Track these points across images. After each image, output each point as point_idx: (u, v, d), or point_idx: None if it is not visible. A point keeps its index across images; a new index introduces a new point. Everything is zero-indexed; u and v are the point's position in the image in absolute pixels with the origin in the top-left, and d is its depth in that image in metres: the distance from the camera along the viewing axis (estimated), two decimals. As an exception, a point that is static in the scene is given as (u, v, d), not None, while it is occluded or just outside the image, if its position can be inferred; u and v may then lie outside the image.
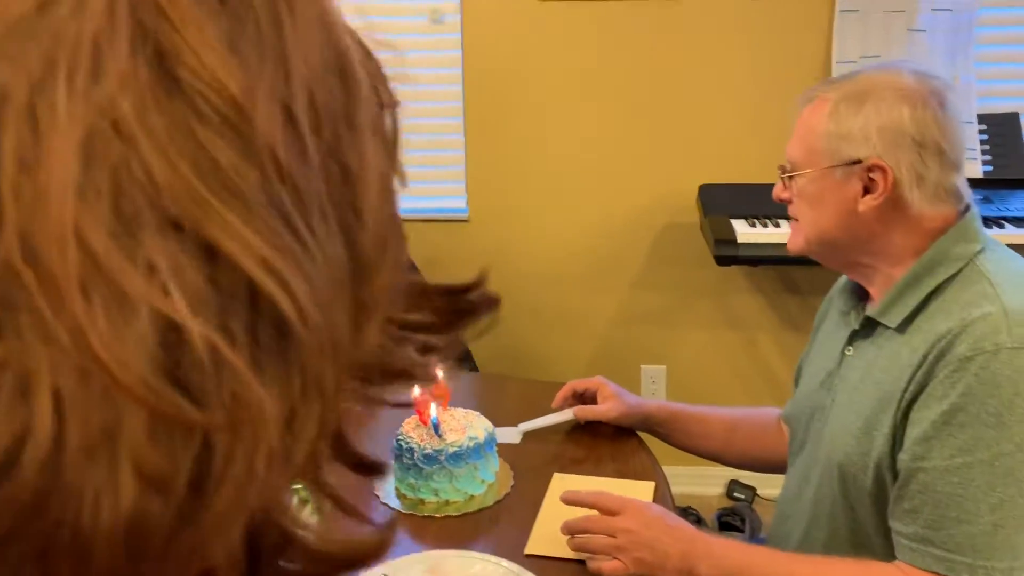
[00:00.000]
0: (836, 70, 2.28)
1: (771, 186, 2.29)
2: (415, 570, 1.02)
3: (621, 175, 2.48)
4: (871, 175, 1.04)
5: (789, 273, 2.52)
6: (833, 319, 1.24)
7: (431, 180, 2.55)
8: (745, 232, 2.03)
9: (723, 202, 2.20)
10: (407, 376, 0.33)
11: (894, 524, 1.00)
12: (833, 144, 1.06)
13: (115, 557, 0.22)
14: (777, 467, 1.38)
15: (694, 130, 2.43)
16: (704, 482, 2.58)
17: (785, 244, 1.98)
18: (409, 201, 2.44)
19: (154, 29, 0.24)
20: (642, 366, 2.60)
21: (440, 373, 1.31)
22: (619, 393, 1.42)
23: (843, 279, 1.27)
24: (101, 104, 0.23)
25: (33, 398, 0.21)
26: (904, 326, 1.03)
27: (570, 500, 1.10)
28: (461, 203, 2.55)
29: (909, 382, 0.98)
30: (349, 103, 0.29)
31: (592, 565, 1.05)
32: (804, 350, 1.34)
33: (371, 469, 0.32)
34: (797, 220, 1.16)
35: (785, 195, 1.17)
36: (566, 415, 1.43)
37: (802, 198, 1.13)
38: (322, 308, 0.26)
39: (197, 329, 0.23)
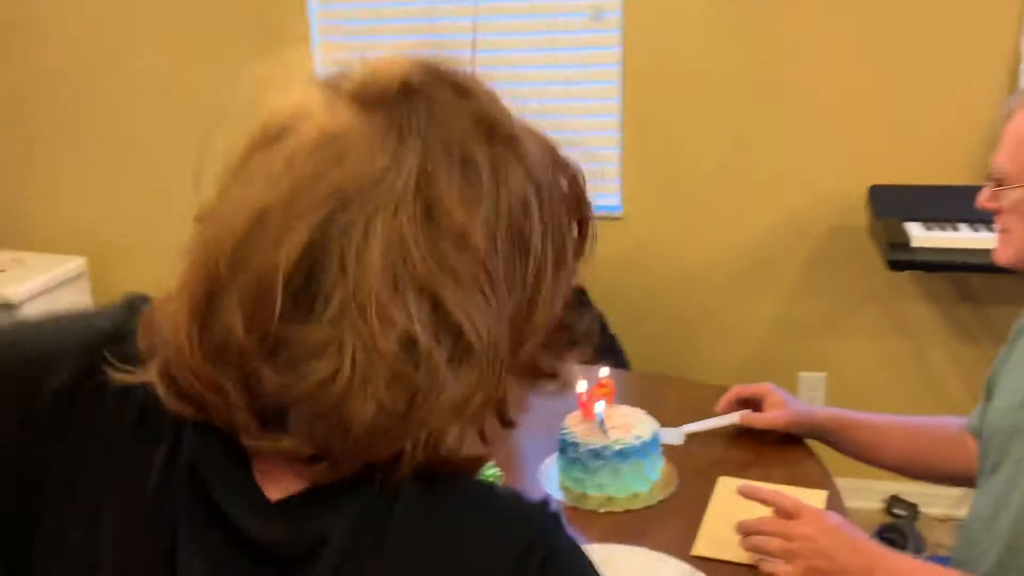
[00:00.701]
0: (1027, 63, 2.12)
1: (948, 188, 2.17)
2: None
3: (783, 174, 2.40)
4: None
5: (965, 280, 2.37)
6: None
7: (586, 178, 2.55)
8: (921, 236, 1.92)
9: (896, 204, 2.09)
10: (553, 376, 0.60)
11: None
12: None
13: (366, 430, 0.50)
14: (961, 482, 1.30)
15: (863, 127, 2.32)
16: (862, 496, 2.45)
17: (964, 249, 1.88)
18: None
19: (426, 189, 0.51)
20: (800, 373, 2.50)
21: (605, 371, 1.32)
22: (787, 400, 1.38)
23: None
24: (396, 228, 0.50)
25: (344, 356, 0.50)
26: None
27: (748, 493, 1.08)
28: (615, 200, 2.54)
29: None
30: (529, 230, 0.54)
31: (765, 567, 1.02)
32: (998, 358, 1.25)
33: (510, 425, 0.58)
34: (1008, 231, 1.12)
35: (992, 205, 1.14)
36: (730, 419, 1.40)
37: (1017, 211, 1.09)
38: (494, 338, 0.52)
39: (423, 340, 0.50)
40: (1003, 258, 1.13)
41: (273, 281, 0.49)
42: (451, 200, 0.50)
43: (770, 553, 1.02)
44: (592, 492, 1.23)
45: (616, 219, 2.53)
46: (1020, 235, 1.09)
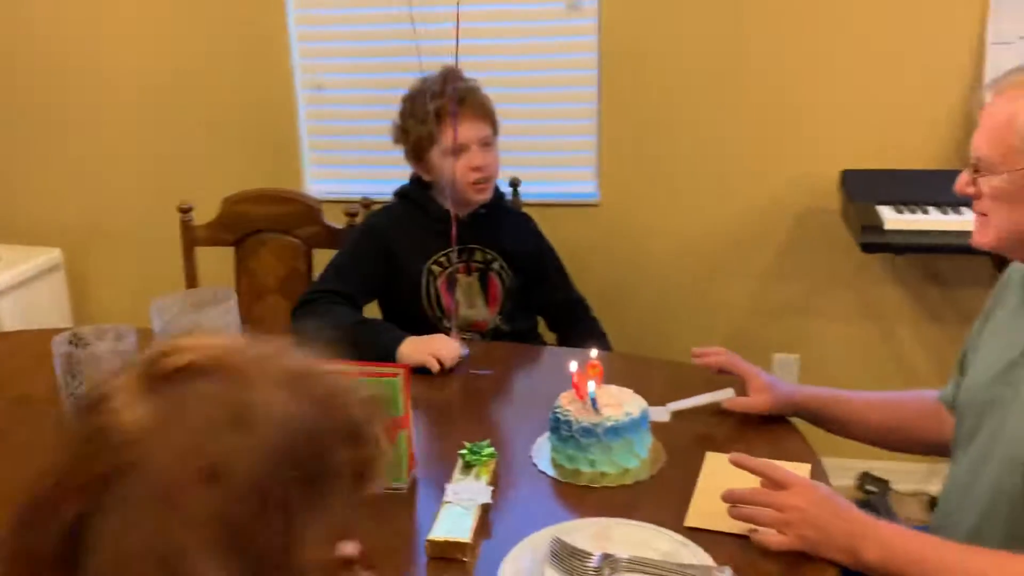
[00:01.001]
0: (991, 51, 2.19)
1: (918, 172, 2.23)
2: (583, 534, 1.06)
3: (757, 159, 2.45)
4: None
5: (933, 262, 2.44)
6: (1010, 307, 1.20)
7: (563, 165, 2.58)
8: (893, 219, 1.98)
9: (868, 188, 2.15)
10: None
11: None
12: None
13: None
14: (936, 451, 1.35)
15: (835, 114, 2.37)
16: (834, 474, 2.48)
17: (934, 231, 1.94)
18: (540, 186, 2.48)
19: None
20: (774, 355, 2.57)
21: (595, 352, 1.35)
22: (771, 384, 1.42)
23: (1013, 269, 1.23)
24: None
25: None
26: None
27: (739, 462, 1.12)
28: (592, 188, 2.57)
29: None
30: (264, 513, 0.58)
31: (756, 538, 1.06)
32: (971, 333, 1.30)
33: None
34: (985, 216, 1.14)
35: (971, 190, 1.15)
36: (715, 397, 1.44)
37: (997, 197, 1.11)
38: None
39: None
40: (983, 241, 1.15)
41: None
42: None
43: (761, 523, 1.06)
44: (585, 468, 1.26)
45: (594, 205, 2.57)
46: (998, 220, 1.12)
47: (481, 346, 1.80)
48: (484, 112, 1.85)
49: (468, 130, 1.82)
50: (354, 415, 0.64)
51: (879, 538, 1.02)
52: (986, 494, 1.12)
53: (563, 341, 2.02)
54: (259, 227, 2.09)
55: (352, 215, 2.09)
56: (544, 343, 2.03)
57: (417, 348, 1.63)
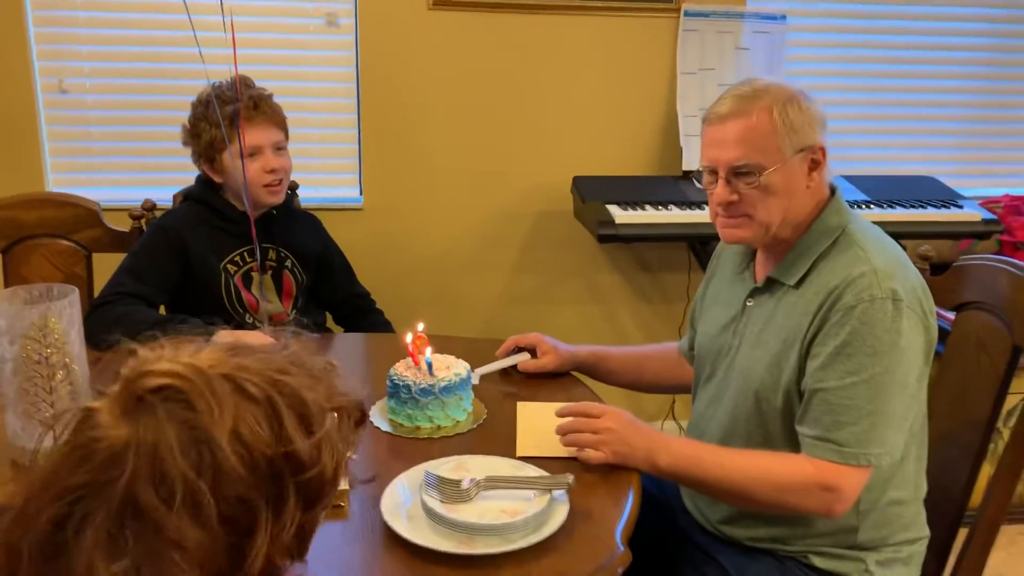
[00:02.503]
0: (681, 80, 2.71)
1: (633, 177, 2.69)
2: (445, 468, 1.27)
3: (502, 168, 2.79)
4: (814, 157, 1.35)
5: (643, 254, 2.94)
6: (725, 277, 1.56)
7: (329, 171, 2.73)
8: (621, 215, 2.40)
9: (596, 191, 2.56)
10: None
11: (801, 429, 1.32)
12: (790, 138, 1.33)
13: None
14: (682, 390, 1.73)
15: (564, 130, 2.78)
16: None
17: (655, 223, 2.38)
18: (308, 191, 2.61)
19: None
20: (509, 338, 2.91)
21: (421, 325, 1.56)
22: (556, 347, 1.72)
23: (724, 246, 1.61)
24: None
25: None
26: (799, 284, 1.36)
27: (564, 411, 1.39)
28: (355, 193, 2.75)
29: (809, 326, 1.31)
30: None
31: (581, 455, 1.34)
32: (696, 296, 1.66)
33: None
34: (748, 216, 1.35)
35: (734, 196, 1.34)
36: (511, 361, 1.71)
37: (767, 192, 1.32)
38: None
39: None
40: (745, 236, 1.37)
41: None
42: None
43: (583, 444, 1.34)
44: (423, 424, 1.47)
45: (358, 210, 2.75)
46: (771, 210, 1.33)
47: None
48: (277, 118, 1.97)
49: (262, 134, 1.92)
50: (314, 441, 0.69)
51: (668, 448, 1.34)
52: (726, 418, 1.45)
53: (352, 331, 2.18)
54: (31, 232, 2.00)
55: (137, 218, 2.08)
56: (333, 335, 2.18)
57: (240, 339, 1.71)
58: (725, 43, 2.74)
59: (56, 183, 2.59)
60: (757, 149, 1.32)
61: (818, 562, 1.39)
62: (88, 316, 1.78)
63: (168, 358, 0.70)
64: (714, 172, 1.38)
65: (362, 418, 0.80)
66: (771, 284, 1.42)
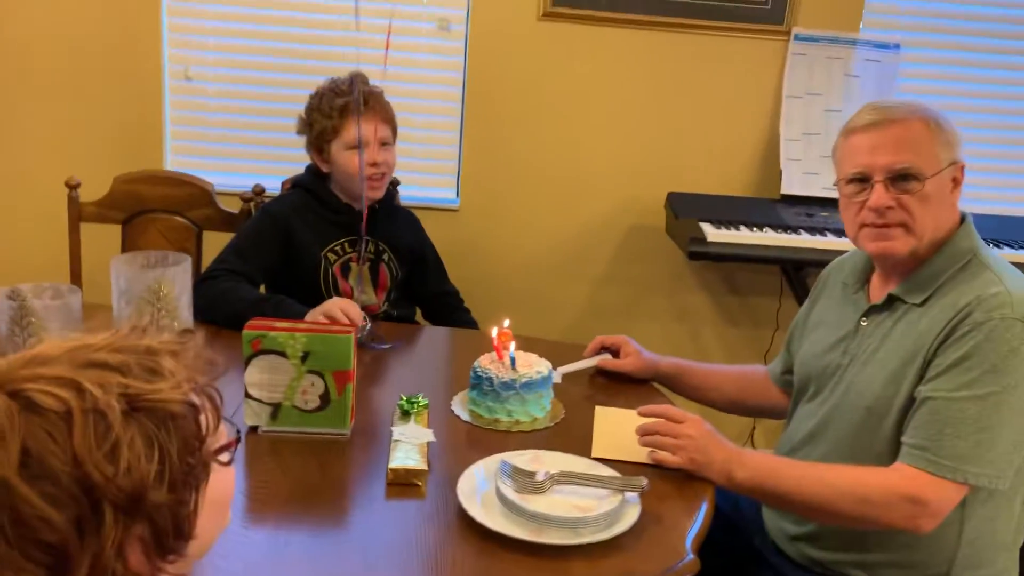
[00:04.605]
0: (786, 103, 2.69)
1: (729, 197, 2.68)
2: (520, 460, 1.29)
3: (596, 179, 2.81)
4: (955, 175, 1.34)
5: (732, 275, 2.91)
6: (833, 298, 1.54)
7: (429, 172, 2.80)
8: (713, 233, 2.39)
9: (690, 208, 2.56)
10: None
11: (903, 438, 1.29)
12: (943, 149, 1.31)
13: None
14: (764, 414, 1.71)
15: (662, 145, 2.79)
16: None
17: (748, 244, 2.36)
18: (407, 189, 2.68)
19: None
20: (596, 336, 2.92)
21: (507, 321, 1.59)
22: (639, 351, 1.73)
23: (832, 269, 1.59)
24: None
25: None
26: (924, 302, 1.33)
27: (646, 411, 1.40)
28: (452, 194, 2.82)
29: (933, 341, 1.28)
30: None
31: (655, 457, 1.35)
32: (798, 317, 1.65)
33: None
34: (904, 225, 1.32)
35: (891, 202, 1.32)
36: (593, 361, 1.73)
37: (924, 201, 1.30)
38: None
39: None
40: (904, 248, 1.32)
41: None
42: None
43: (661, 447, 1.35)
44: (503, 417, 1.50)
45: (454, 211, 2.81)
46: (927, 221, 1.30)
47: (380, 326, 1.98)
48: (385, 115, 2.04)
49: (370, 129, 2.00)
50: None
51: (745, 461, 1.33)
52: (831, 436, 1.42)
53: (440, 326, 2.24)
54: (150, 207, 2.13)
55: (247, 201, 2.19)
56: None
57: (322, 308, 1.78)
58: (834, 69, 2.70)
59: (174, 164, 2.74)
60: (919, 154, 1.31)
61: (899, 595, 1.36)
62: (196, 286, 1.88)
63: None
64: (863, 180, 1.35)
65: (215, 401, 0.73)
66: (892, 302, 1.40)
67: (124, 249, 2.13)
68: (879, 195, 1.32)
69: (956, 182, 1.35)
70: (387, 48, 1.71)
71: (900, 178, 1.32)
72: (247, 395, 1.40)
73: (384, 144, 2.04)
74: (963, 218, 1.39)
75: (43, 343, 0.70)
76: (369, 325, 1.85)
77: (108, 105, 2.63)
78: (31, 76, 2.61)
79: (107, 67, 2.61)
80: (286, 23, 2.65)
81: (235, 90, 2.71)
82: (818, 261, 2.29)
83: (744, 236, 2.40)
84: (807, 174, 2.69)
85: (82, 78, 2.61)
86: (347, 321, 1.74)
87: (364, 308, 2.07)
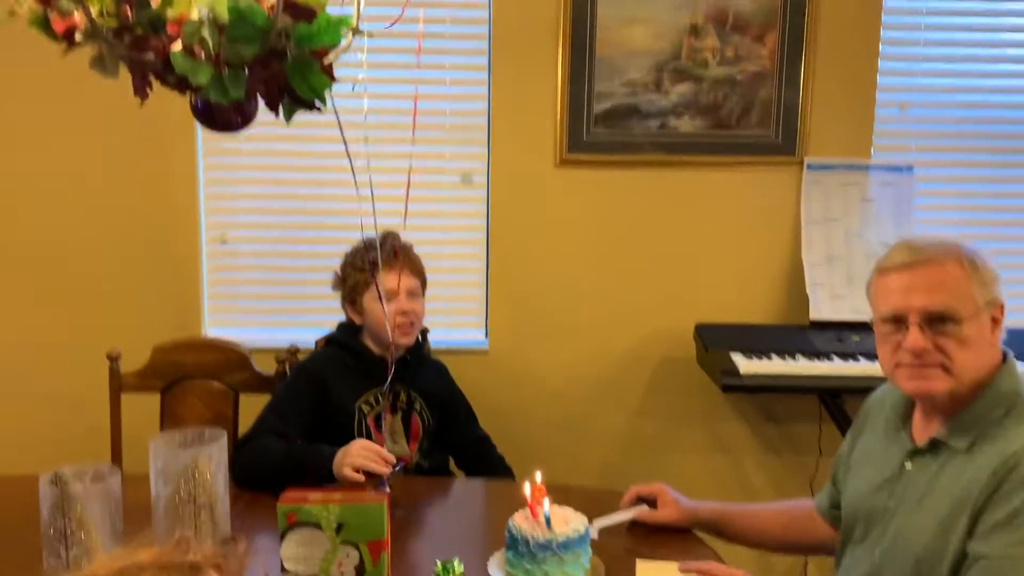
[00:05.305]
0: (806, 229, 2.72)
1: (758, 326, 2.68)
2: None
3: (624, 313, 2.83)
4: (994, 315, 1.34)
5: (770, 404, 2.88)
6: (877, 433, 1.52)
7: (456, 315, 2.86)
8: (746, 364, 2.38)
9: (720, 339, 2.56)
10: None
11: None
12: (981, 290, 1.31)
13: None
14: (815, 551, 1.65)
15: (686, 277, 2.82)
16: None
17: (781, 374, 2.34)
18: (437, 332, 2.73)
19: None
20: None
21: (538, 476, 1.59)
22: (677, 500, 1.70)
23: (873, 401, 1.58)
24: None
25: None
26: (969, 448, 1.32)
27: (688, 567, 1.37)
28: (481, 335, 2.85)
29: (981, 492, 1.26)
30: None
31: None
32: (841, 450, 1.62)
33: None
34: (943, 367, 1.31)
35: (929, 344, 1.31)
36: (631, 514, 1.70)
37: (962, 343, 1.30)
38: None
39: None
40: (943, 388, 1.31)
41: None
42: None
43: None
44: (541, 579, 1.47)
45: (483, 353, 2.84)
46: (959, 368, 1.29)
47: (408, 482, 1.98)
48: (414, 267, 2.12)
49: (397, 278, 2.07)
50: None
51: None
52: None
53: (473, 475, 2.23)
54: (189, 373, 2.19)
55: (281, 361, 2.24)
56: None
57: (347, 455, 1.79)
58: (850, 194, 2.75)
59: (212, 323, 2.82)
60: (955, 296, 1.31)
61: None
62: (235, 452, 1.92)
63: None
64: (898, 321, 1.35)
65: None
66: (935, 446, 1.37)
67: (163, 416, 2.18)
68: (915, 338, 1.31)
69: (996, 322, 1.34)
70: (406, 202, 1.80)
71: (937, 320, 1.31)
72: (282, 568, 1.40)
73: (413, 294, 2.10)
74: (1005, 357, 1.37)
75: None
76: (400, 465, 1.85)
77: (148, 273, 2.74)
78: (73, 252, 2.74)
79: (148, 237, 2.74)
80: (315, 184, 2.76)
81: (269, 250, 2.81)
82: (853, 388, 2.28)
83: (776, 366, 2.39)
84: (834, 298, 2.69)
85: (123, 250, 2.74)
86: (379, 467, 1.75)
87: (398, 458, 2.09)
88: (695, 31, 2.70)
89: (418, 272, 2.13)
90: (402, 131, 2.63)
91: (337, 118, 1.34)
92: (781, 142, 2.74)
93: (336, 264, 2.18)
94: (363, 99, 2.35)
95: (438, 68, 2.72)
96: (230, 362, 2.21)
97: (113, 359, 2.21)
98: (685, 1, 2.68)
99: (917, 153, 2.79)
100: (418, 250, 2.80)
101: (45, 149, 2.71)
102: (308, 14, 1.20)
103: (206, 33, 1.14)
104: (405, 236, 2.16)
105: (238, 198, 2.80)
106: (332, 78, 1.26)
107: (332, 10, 1.24)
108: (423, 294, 2.13)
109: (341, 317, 2.18)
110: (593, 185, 2.78)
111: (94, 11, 1.14)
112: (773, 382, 2.35)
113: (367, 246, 2.07)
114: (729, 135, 2.74)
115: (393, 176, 2.73)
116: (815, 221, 2.75)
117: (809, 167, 2.73)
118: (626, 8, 2.68)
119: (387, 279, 2.05)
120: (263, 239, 2.81)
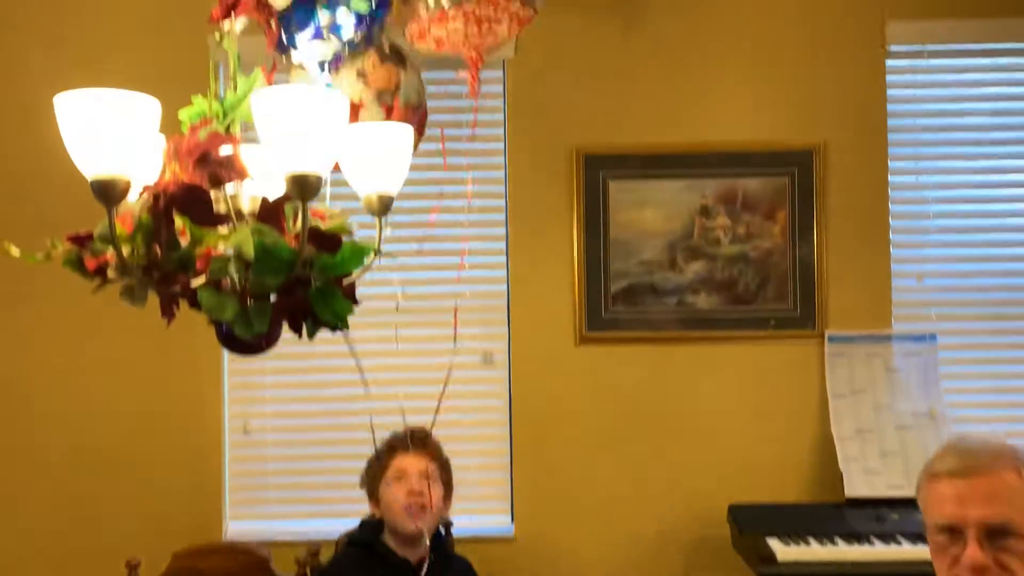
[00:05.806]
0: (833, 402, 2.68)
1: (794, 505, 2.59)
2: None
3: (654, 495, 2.76)
4: None
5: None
6: None
7: (481, 500, 2.79)
8: (782, 550, 2.28)
9: (754, 520, 2.47)
10: None
11: None
12: None
13: None
14: None
15: (715, 455, 2.76)
16: None
17: (821, 562, 2.24)
18: (461, 520, 2.65)
19: None
20: None
21: None
22: None
23: None
24: None
25: None
26: None
27: None
28: (507, 522, 2.78)
29: None
30: None
31: None
32: None
33: None
34: None
35: (990, 561, 1.25)
36: None
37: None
38: None
39: None
40: None
41: None
42: None
43: None
44: None
45: (509, 540, 2.75)
46: None
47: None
48: (429, 450, 2.09)
49: (410, 460, 2.05)
50: None
51: None
52: None
53: None
54: (207, 580, 2.13)
55: (301, 564, 2.18)
56: None
57: None
58: (875, 365, 2.73)
59: (233, 516, 2.77)
60: (1015, 508, 1.25)
61: None
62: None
63: None
64: (954, 531, 1.29)
65: None
66: None
67: (179, 627, 2.10)
68: (975, 553, 1.25)
69: None
70: (440, 399, 1.82)
71: (997, 534, 1.25)
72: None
73: (426, 477, 2.06)
74: None
75: None
76: None
77: (170, 465, 2.72)
78: (100, 461, 2.74)
79: (172, 426, 2.73)
80: (340, 371, 2.78)
81: (292, 439, 2.80)
82: (896, 575, 2.18)
83: (815, 552, 2.29)
84: (868, 472, 2.62)
85: (147, 446, 2.73)
86: None
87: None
88: (705, 211, 2.77)
89: (433, 455, 2.11)
90: (427, 315, 2.68)
91: (351, 348, 1.36)
92: (799, 315, 2.75)
93: (360, 451, 2.17)
94: (397, 299, 2.45)
95: (453, 255, 2.76)
96: (249, 566, 2.15)
97: (132, 567, 2.16)
98: (694, 183, 2.77)
99: (939, 323, 2.78)
100: (440, 432, 2.79)
101: (57, 346, 2.76)
102: (333, 244, 1.24)
103: (232, 269, 1.18)
104: (424, 418, 2.15)
105: (263, 387, 2.81)
106: (355, 302, 1.29)
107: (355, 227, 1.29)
108: (441, 481, 2.09)
109: (366, 507, 2.14)
110: (614, 362, 2.78)
111: (125, 251, 1.19)
112: (812, 570, 2.25)
113: (389, 440, 2.06)
114: (747, 310, 2.76)
115: (416, 359, 2.78)
116: (841, 394, 2.71)
117: (831, 339, 2.73)
118: (636, 192, 2.77)
119: (399, 461, 2.04)
120: (286, 427, 2.80)
